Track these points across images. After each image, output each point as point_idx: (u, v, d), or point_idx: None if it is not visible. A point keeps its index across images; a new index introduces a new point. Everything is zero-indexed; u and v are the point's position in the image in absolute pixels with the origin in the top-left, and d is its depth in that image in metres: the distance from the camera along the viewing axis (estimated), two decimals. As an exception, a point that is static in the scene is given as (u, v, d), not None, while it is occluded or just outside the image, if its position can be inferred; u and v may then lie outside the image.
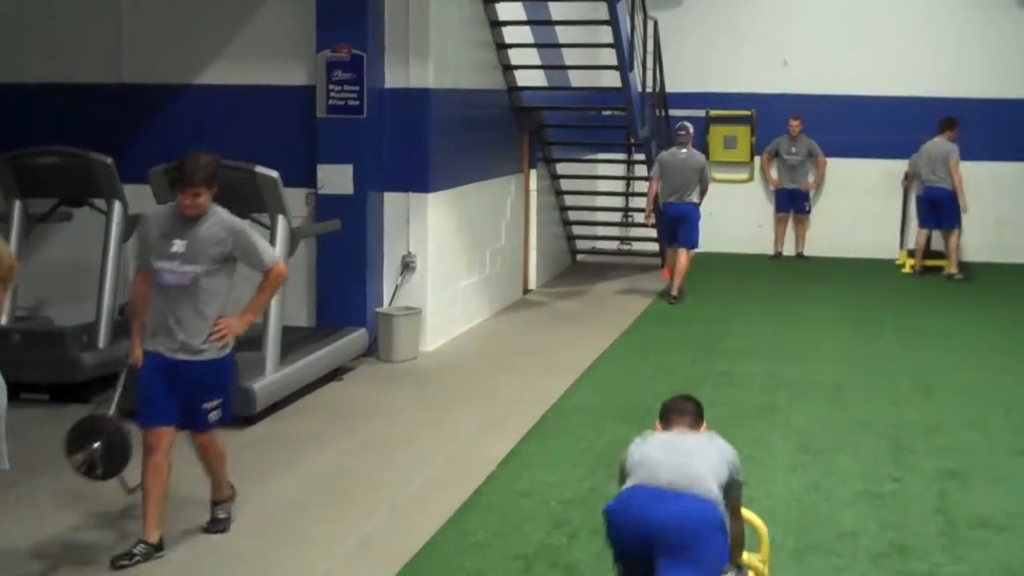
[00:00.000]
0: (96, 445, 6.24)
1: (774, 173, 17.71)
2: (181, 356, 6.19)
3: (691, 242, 13.90)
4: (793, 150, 17.45)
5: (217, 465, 6.59)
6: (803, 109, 17.46)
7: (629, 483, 4.86)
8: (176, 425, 6.26)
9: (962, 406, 9.52)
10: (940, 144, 15.73)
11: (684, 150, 13.88)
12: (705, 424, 5.17)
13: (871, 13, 17.35)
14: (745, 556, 5.25)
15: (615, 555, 4.88)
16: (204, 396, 6.29)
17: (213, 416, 6.34)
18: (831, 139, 17.49)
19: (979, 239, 17.02)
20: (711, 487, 4.75)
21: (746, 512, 5.30)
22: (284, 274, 6.67)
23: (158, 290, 6.21)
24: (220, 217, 6.27)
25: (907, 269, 16.29)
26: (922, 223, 16.10)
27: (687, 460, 4.81)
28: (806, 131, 17.35)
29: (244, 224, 6.39)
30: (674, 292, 13.88)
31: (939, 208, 15.78)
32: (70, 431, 6.32)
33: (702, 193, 13.91)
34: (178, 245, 6.14)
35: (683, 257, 13.89)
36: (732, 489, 4.93)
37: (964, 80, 17.09)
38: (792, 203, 17.60)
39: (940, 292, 14.97)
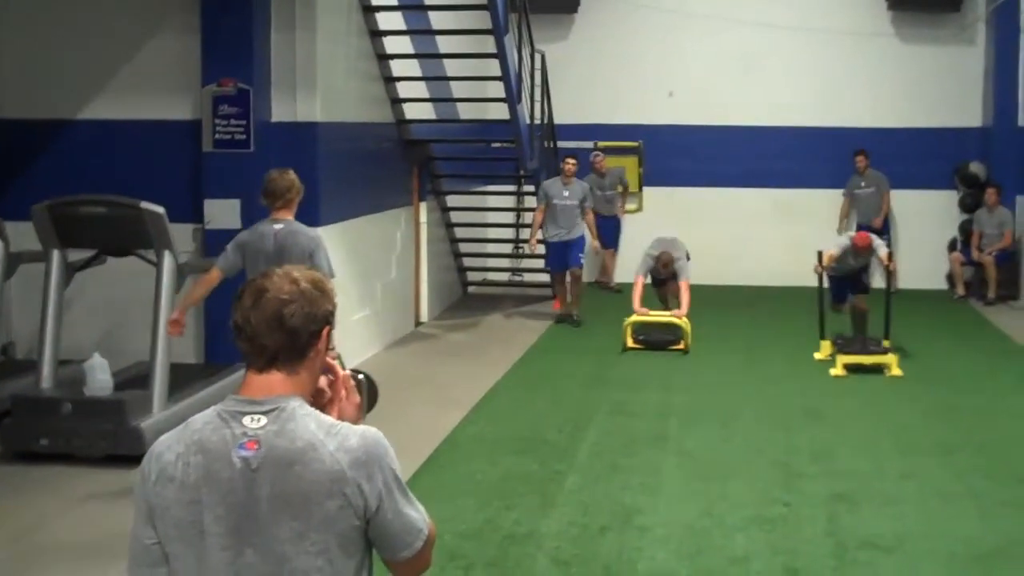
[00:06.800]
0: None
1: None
2: None
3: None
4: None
5: None
6: (689, 139, 17.72)
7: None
8: None
9: (851, 431, 9.67)
10: None
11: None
12: None
13: (756, 45, 17.60)
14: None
15: None
16: None
17: None
18: (717, 168, 17.76)
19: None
20: None
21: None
22: None
23: None
24: None
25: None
26: None
27: None
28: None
29: None
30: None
31: None
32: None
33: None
34: None
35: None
36: None
37: (848, 110, 17.49)
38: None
39: (829, 318, 15.16)
